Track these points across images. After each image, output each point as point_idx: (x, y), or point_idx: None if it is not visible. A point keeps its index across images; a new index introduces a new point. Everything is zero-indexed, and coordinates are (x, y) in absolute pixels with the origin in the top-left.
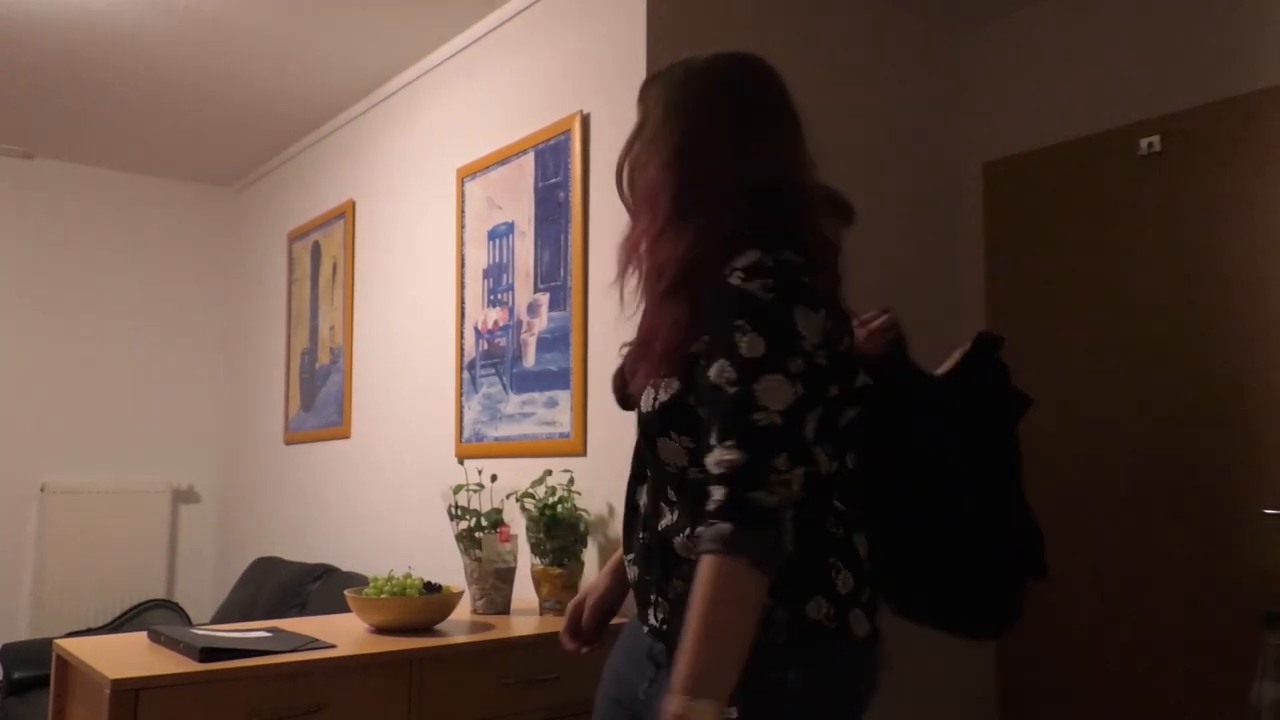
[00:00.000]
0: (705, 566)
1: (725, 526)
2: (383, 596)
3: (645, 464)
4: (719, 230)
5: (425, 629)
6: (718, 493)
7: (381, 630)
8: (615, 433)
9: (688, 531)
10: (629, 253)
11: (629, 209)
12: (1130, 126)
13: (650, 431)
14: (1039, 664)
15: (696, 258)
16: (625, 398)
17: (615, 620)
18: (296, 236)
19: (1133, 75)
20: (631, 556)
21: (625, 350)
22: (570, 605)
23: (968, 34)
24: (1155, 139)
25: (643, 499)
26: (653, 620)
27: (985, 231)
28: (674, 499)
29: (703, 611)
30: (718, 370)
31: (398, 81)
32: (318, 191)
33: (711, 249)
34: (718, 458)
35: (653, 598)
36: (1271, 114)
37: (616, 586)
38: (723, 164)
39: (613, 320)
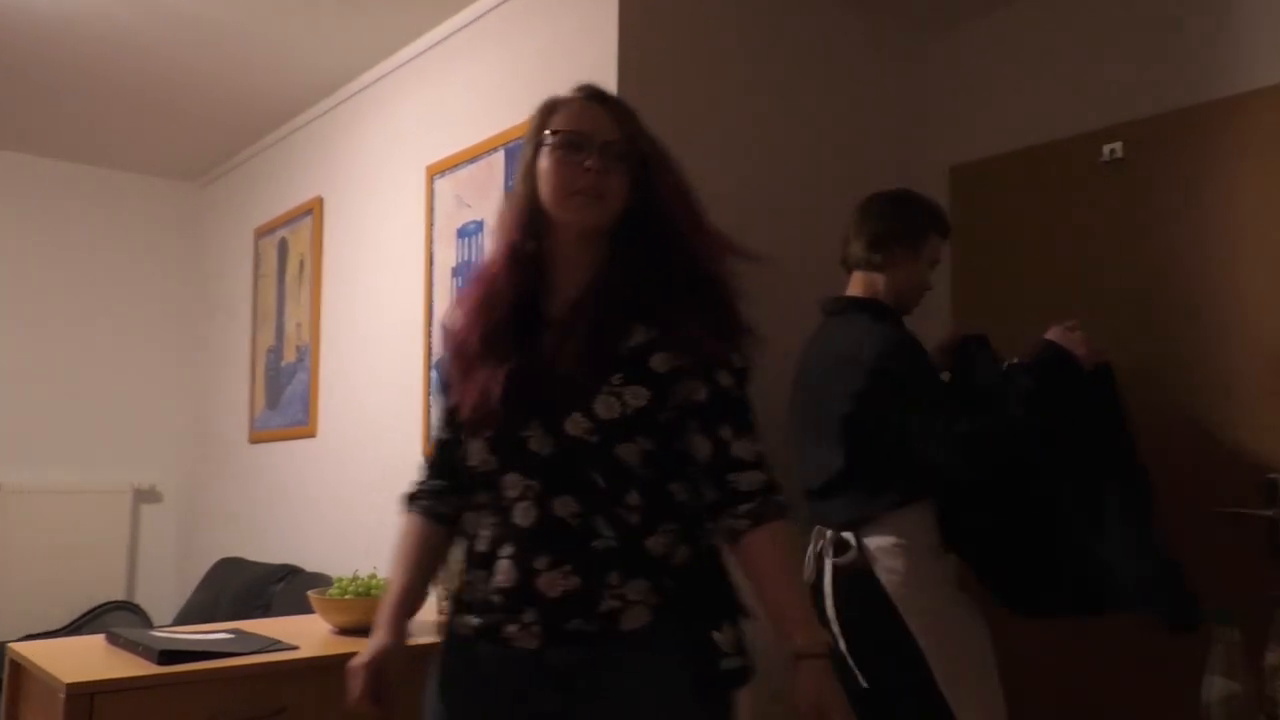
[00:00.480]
0: (776, 532)
1: (780, 497)
2: (347, 597)
3: (577, 474)
4: None
5: None
6: (757, 475)
7: (346, 632)
8: None
9: (667, 529)
10: None
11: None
12: (1093, 133)
13: (614, 437)
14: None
15: None
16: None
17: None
18: (263, 233)
19: (1096, 82)
20: (569, 567)
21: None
22: (365, 668)
23: (936, 38)
24: (1117, 145)
25: (563, 510)
26: (586, 627)
27: (952, 236)
28: (636, 503)
29: (791, 567)
30: (726, 378)
31: (367, 77)
32: (285, 188)
33: None
34: (748, 448)
35: (602, 605)
36: (1227, 123)
37: (401, 638)
38: None
39: None
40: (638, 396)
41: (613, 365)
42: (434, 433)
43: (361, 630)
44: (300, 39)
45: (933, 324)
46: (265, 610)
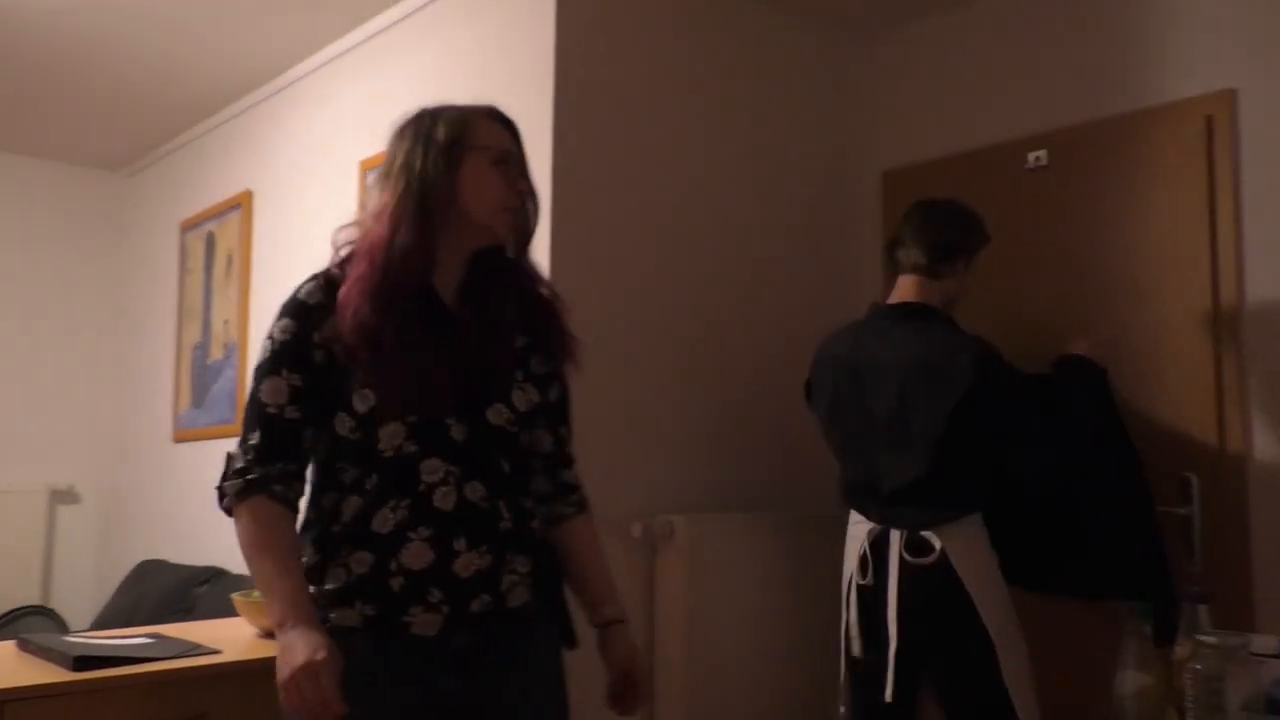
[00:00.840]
0: (590, 520)
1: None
2: None
3: (494, 459)
4: None
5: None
6: (577, 472)
7: (271, 635)
8: None
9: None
10: None
11: None
12: (1020, 140)
13: (522, 427)
14: None
15: None
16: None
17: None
18: (189, 226)
19: (1023, 92)
20: (484, 548)
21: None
22: (320, 671)
23: (870, 45)
24: (1042, 153)
25: (472, 495)
26: (478, 605)
27: (884, 238)
28: (528, 488)
29: (601, 549)
30: (566, 383)
31: (300, 69)
32: (213, 180)
33: None
34: (573, 447)
35: (504, 581)
36: (1147, 133)
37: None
38: None
39: None
40: (532, 393)
41: (514, 363)
42: (268, 410)
43: None
44: (232, 29)
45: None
46: (188, 614)
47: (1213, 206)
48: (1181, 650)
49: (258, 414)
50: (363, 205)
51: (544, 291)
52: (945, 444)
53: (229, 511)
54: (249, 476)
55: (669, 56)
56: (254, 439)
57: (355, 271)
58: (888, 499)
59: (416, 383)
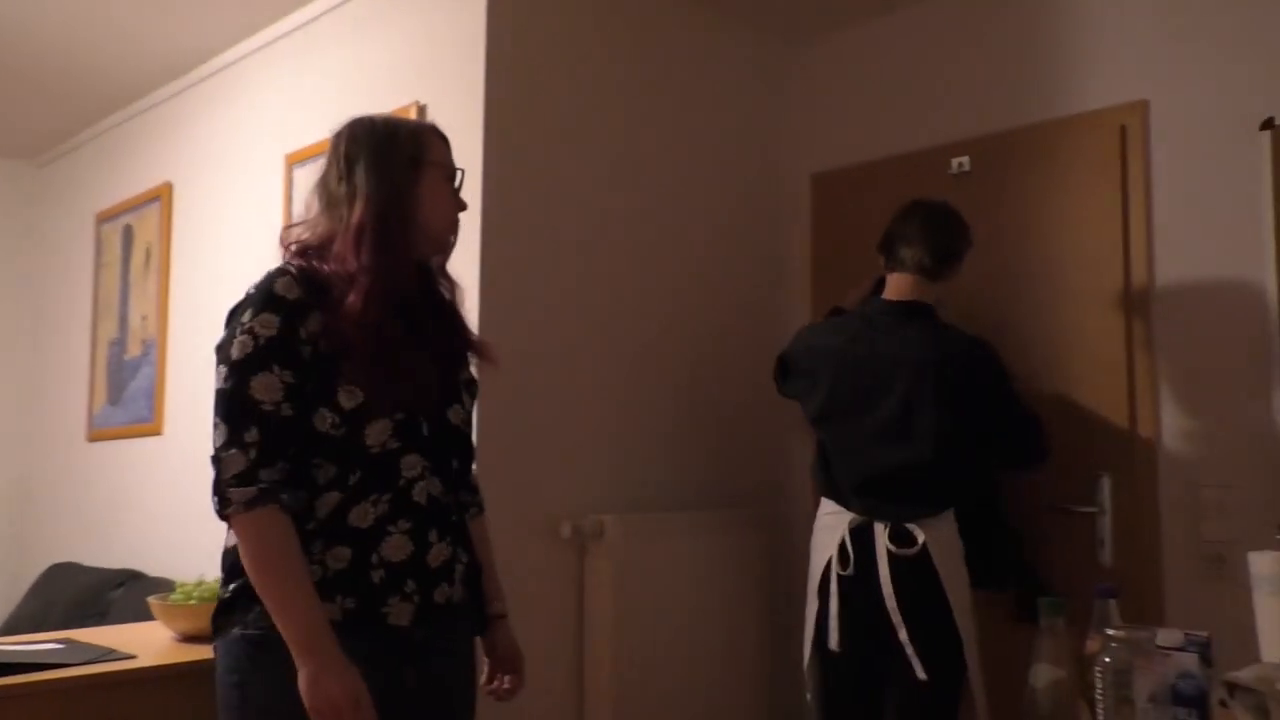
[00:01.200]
0: (485, 521)
1: None
2: (191, 603)
3: (449, 456)
4: None
5: None
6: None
7: (191, 639)
8: None
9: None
10: None
11: None
12: (944, 146)
13: (467, 427)
14: None
15: None
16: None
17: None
18: (106, 218)
19: (947, 98)
20: (448, 539)
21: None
22: (357, 710)
23: (797, 50)
24: (965, 159)
25: (433, 490)
26: (440, 596)
27: (812, 240)
28: (461, 483)
29: (492, 549)
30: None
31: (223, 59)
32: (131, 171)
33: None
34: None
35: (456, 571)
36: (1065, 140)
37: None
38: None
39: None
40: (467, 398)
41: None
42: (264, 407)
43: (207, 638)
44: (153, 15)
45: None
46: (102, 618)
47: (1126, 211)
48: (1092, 644)
49: (250, 411)
50: (309, 205)
51: (457, 300)
52: (950, 439)
53: (227, 518)
54: (260, 485)
55: (599, 60)
56: (251, 437)
57: (354, 277)
58: (878, 491)
59: (412, 381)
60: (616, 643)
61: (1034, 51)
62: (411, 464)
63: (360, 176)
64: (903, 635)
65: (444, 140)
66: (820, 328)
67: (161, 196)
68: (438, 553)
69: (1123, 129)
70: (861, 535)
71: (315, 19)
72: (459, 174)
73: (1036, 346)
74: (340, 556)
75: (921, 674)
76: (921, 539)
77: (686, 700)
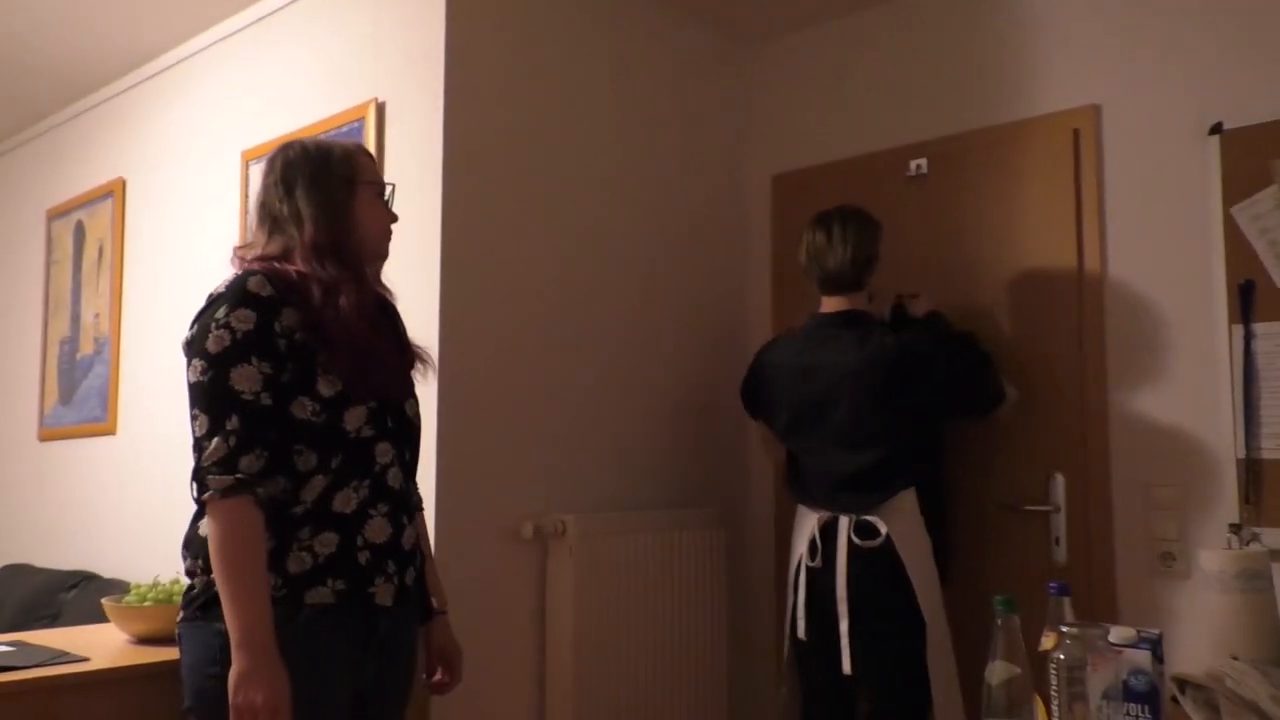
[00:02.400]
0: (422, 518)
1: None
2: (146, 605)
3: (404, 446)
4: None
5: None
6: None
7: (145, 641)
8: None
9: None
10: None
11: None
12: (901, 148)
13: (419, 419)
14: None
15: None
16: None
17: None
18: (56, 215)
19: (905, 101)
20: (405, 534)
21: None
22: (284, 692)
23: (758, 50)
24: (923, 161)
25: (397, 479)
26: (409, 578)
27: (773, 241)
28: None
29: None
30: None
31: (177, 53)
32: (83, 167)
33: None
34: None
35: (418, 556)
36: (1020, 144)
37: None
38: None
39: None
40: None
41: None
42: (244, 397)
43: (163, 639)
44: (107, 7)
45: (755, 328)
46: (54, 620)
47: (1079, 213)
48: (1046, 641)
49: (231, 400)
50: (251, 226)
51: (395, 306)
52: (900, 436)
53: (202, 503)
54: (237, 475)
55: (560, 54)
56: (232, 425)
57: (338, 281)
58: (839, 488)
59: (387, 371)
60: (578, 641)
61: (990, 56)
62: (384, 451)
63: (301, 198)
64: (844, 626)
65: (372, 159)
66: (773, 345)
67: (115, 192)
68: (409, 536)
69: (1075, 133)
70: (829, 530)
71: (272, 13)
72: (389, 188)
73: (990, 346)
74: (328, 542)
75: (847, 668)
76: (884, 531)
77: (648, 697)
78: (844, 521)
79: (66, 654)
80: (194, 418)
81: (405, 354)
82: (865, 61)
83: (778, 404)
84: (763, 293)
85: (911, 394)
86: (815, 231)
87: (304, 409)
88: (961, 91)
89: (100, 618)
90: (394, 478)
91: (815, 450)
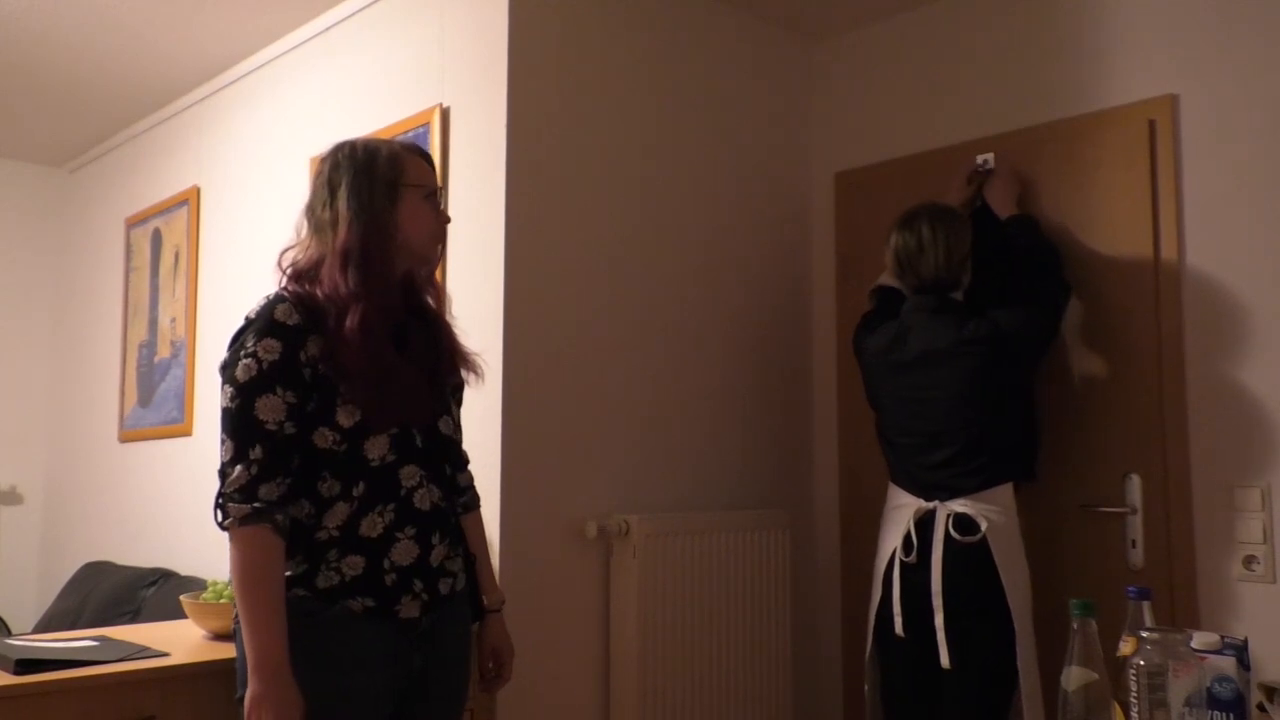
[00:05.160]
0: (479, 517)
1: (477, 493)
2: (222, 601)
3: (441, 463)
4: None
5: None
6: (470, 475)
7: (221, 637)
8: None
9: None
10: None
11: None
12: (968, 143)
13: (458, 431)
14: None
15: None
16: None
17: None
18: (135, 223)
19: (972, 95)
20: (448, 541)
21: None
22: (295, 716)
23: (820, 46)
24: (990, 156)
25: (432, 496)
26: (444, 588)
27: (836, 238)
28: (454, 487)
29: (486, 543)
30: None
31: (249, 64)
32: (159, 176)
33: None
34: (464, 450)
35: (456, 564)
36: (1092, 136)
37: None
38: None
39: (463, 314)
40: (456, 406)
41: (449, 379)
42: (268, 427)
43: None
44: (180, 22)
45: (819, 327)
46: (134, 616)
47: (1155, 208)
48: (1125, 647)
49: (255, 430)
50: (299, 228)
51: (443, 310)
52: (986, 418)
53: (225, 528)
54: (255, 504)
55: (622, 61)
56: (255, 454)
57: (346, 303)
58: (934, 475)
59: (408, 398)
60: (642, 641)
61: (1059, 46)
62: (410, 474)
63: (342, 202)
64: (939, 620)
65: (423, 159)
66: (873, 332)
67: (189, 200)
68: (439, 554)
69: (1151, 124)
70: (926, 524)
71: (339, 22)
72: (439, 191)
73: (1064, 345)
74: (355, 564)
75: (946, 662)
76: (984, 527)
77: (711, 699)
78: (941, 515)
79: (147, 649)
80: (222, 442)
81: (438, 369)
82: (929, 55)
83: (871, 386)
84: (826, 290)
85: (1007, 373)
86: (904, 234)
87: (325, 439)
88: (1030, 83)
89: (178, 614)
90: (422, 499)
91: (904, 439)
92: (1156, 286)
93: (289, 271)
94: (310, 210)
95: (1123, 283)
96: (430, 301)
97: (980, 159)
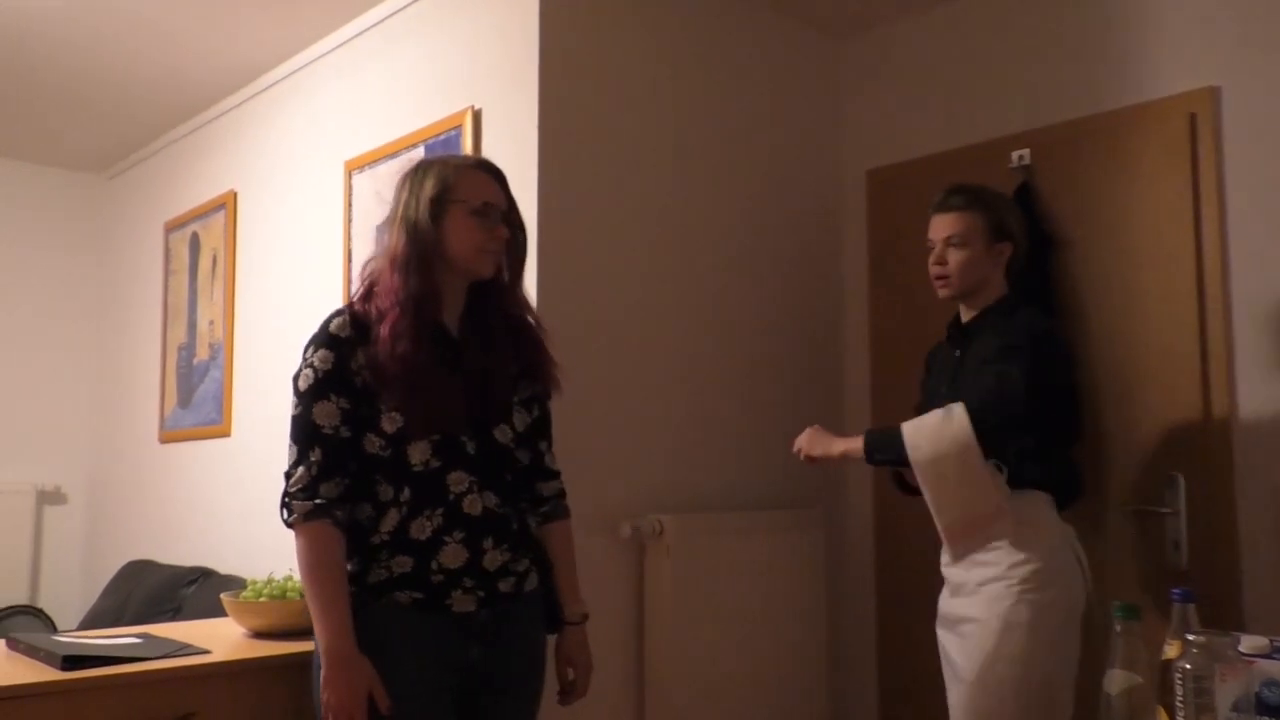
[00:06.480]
0: (568, 526)
1: (566, 502)
2: (261, 600)
3: (500, 472)
4: None
5: (307, 633)
6: (556, 484)
7: (261, 635)
8: None
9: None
10: None
11: None
12: (1003, 139)
13: (518, 445)
14: (919, 691)
15: None
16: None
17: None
18: (173, 227)
19: (1006, 90)
20: (505, 546)
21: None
22: (359, 694)
23: (851, 44)
24: (1025, 152)
25: (489, 502)
26: (505, 586)
27: (869, 236)
28: (520, 494)
29: (573, 554)
30: (547, 403)
31: (283, 69)
32: (197, 181)
33: None
34: (553, 460)
35: (516, 569)
36: (1129, 131)
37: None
38: None
39: None
40: (524, 415)
41: (513, 388)
42: (324, 430)
43: (277, 633)
44: (215, 28)
45: (851, 324)
46: (176, 614)
47: (1197, 204)
48: (1170, 650)
49: (313, 434)
50: (382, 239)
51: (530, 319)
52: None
53: (290, 525)
54: (317, 501)
55: (652, 60)
56: (315, 456)
57: (385, 312)
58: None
59: (439, 407)
60: (676, 642)
61: (1096, 38)
62: (458, 480)
63: (398, 216)
64: None
65: (485, 174)
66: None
67: (227, 204)
68: (493, 558)
69: (1192, 117)
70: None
71: (372, 26)
72: (489, 206)
73: (1105, 343)
74: (403, 564)
75: None
76: None
77: (746, 699)
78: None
79: (189, 646)
80: (289, 448)
81: (498, 378)
82: (962, 50)
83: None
84: (859, 289)
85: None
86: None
87: (372, 444)
88: (1066, 77)
89: (219, 612)
90: (471, 504)
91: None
92: (1200, 284)
93: (365, 280)
94: (386, 218)
95: (1164, 280)
96: (513, 310)
97: (1016, 155)
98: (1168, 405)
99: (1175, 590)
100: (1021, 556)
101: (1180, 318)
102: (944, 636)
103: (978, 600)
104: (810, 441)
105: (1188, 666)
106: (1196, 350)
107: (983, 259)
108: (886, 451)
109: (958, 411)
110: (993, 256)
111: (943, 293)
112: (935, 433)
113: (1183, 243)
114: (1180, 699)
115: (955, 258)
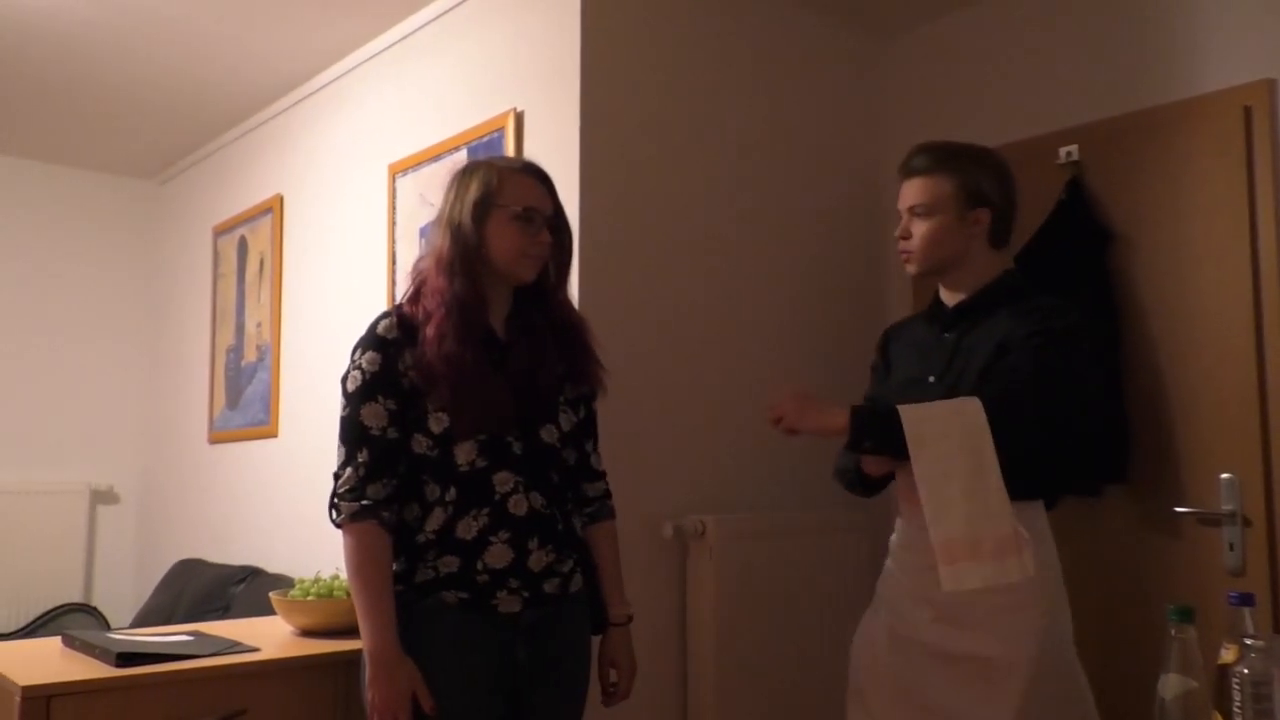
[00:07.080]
0: (613, 526)
1: (611, 502)
2: (309, 598)
3: (546, 472)
4: None
5: (353, 632)
6: (602, 485)
7: (308, 633)
8: None
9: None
10: None
11: None
12: (1050, 135)
13: (564, 445)
14: None
15: None
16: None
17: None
18: (222, 231)
19: (1053, 86)
20: (550, 547)
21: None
22: (403, 694)
23: (894, 42)
24: (1074, 148)
25: (535, 503)
26: (550, 588)
27: None
28: (566, 494)
29: (618, 555)
30: (592, 404)
31: (328, 75)
32: (244, 185)
33: None
34: (599, 461)
35: (561, 569)
36: (1181, 125)
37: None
38: None
39: None
40: (571, 415)
41: (559, 388)
42: (372, 432)
43: (325, 632)
44: (261, 35)
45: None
46: (225, 612)
47: (1252, 199)
48: (1227, 654)
49: (361, 435)
50: (429, 240)
51: (576, 321)
52: None
53: (338, 525)
54: (364, 501)
55: (694, 61)
56: (362, 457)
57: (432, 313)
58: None
59: (485, 407)
60: (719, 643)
61: (1146, 31)
62: (504, 480)
63: (444, 218)
64: None
65: (532, 179)
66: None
67: (273, 208)
68: (538, 559)
69: (1247, 110)
70: None
71: (415, 31)
72: (531, 211)
73: (1156, 342)
74: (449, 564)
75: None
76: None
77: (791, 702)
78: None
79: (239, 644)
80: (337, 449)
81: (546, 379)
82: (1006, 46)
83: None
84: (904, 288)
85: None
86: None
87: (420, 444)
88: (1115, 72)
89: (267, 610)
90: (517, 504)
91: None
92: (1256, 279)
93: (414, 281)
94: (436, 219)
95: (1218, 277)
96: (560, 312)
97: (1064, 151)
98: (1223, 404)
99: (1232, 593)
100: (1040, 576)
101: (1234, 316)
102: (926, 672)
103: (993, 634)
104: (799, 412)
105: (1245, 671)
106: (1252, 348)
107: (953, 229)
108: (878, 437)
109: (971, 409)
110: (966, 226)
111: (909, 269)
112: (945, 424)
113: (1237, 239)
114: (1238, 705)
115: (920, 229)
